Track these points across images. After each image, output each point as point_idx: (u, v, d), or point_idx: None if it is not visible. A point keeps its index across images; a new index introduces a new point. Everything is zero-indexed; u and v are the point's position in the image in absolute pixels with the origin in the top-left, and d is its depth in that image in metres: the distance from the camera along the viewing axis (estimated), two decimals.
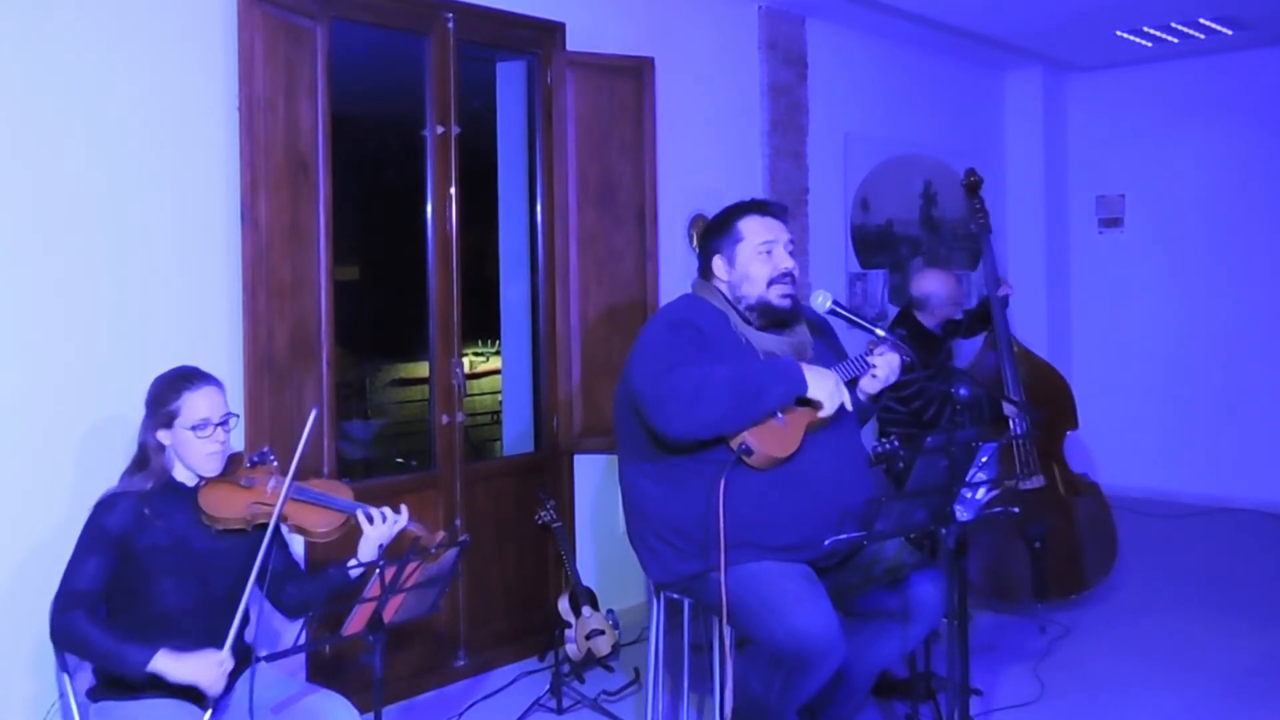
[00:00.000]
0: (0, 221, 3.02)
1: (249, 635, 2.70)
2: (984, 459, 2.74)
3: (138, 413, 2.64)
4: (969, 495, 2.78)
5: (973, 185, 4.88)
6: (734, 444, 2.82)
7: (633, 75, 4.53)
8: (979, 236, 4.83)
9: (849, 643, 2.84)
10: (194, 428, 2.56)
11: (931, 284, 4.60)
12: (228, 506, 2.58)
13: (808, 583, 2.84)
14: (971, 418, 3.22)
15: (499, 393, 5.78)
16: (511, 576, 4.37)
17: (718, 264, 3.07)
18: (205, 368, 2.69)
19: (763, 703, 2.86)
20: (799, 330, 3.09)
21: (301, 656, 3.45)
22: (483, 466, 4.51)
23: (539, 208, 4.49)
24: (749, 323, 3.03)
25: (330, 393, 3.68)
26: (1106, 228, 7.42)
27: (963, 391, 3.16)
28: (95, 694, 2.58)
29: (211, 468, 2.61)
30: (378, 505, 2.71)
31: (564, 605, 4.17)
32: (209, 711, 2.50)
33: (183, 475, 2.63)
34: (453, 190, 4.16)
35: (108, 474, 2.67)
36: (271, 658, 2.51)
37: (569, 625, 4.13)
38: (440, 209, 4.14)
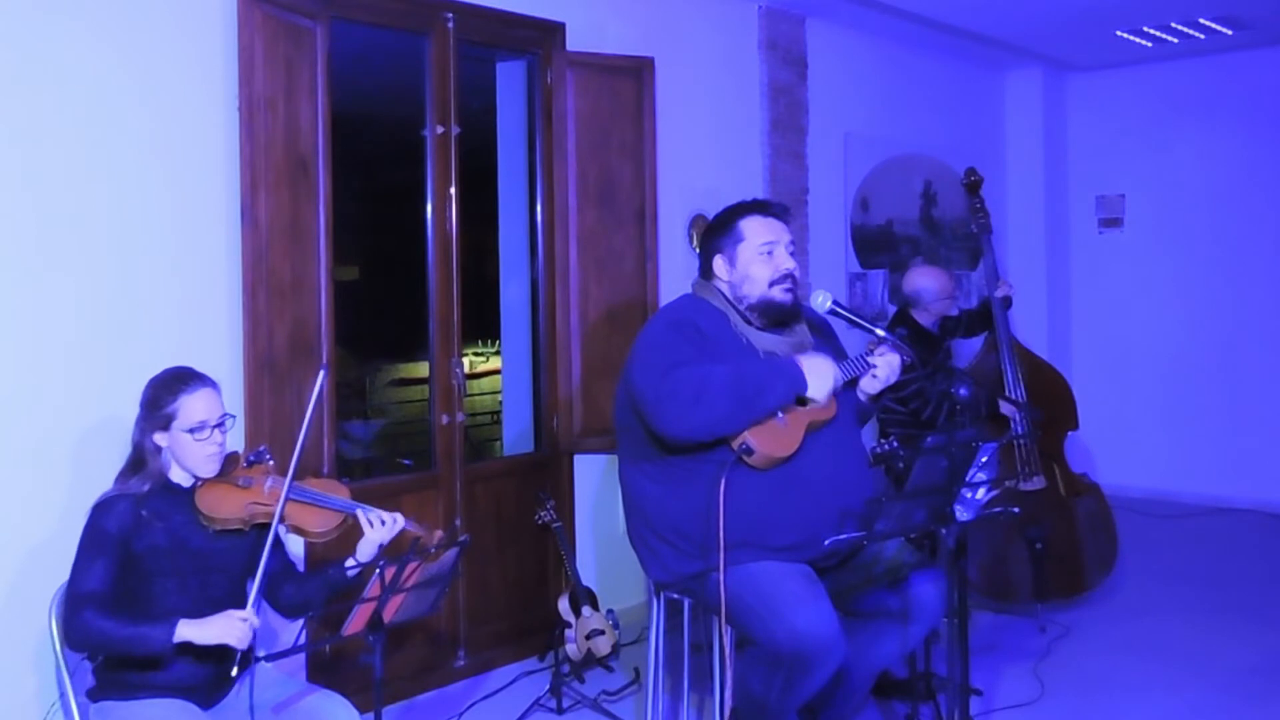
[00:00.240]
0: (0, 221, 3.02)
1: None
2: (984, 459, 2.74)
3: (136, 414, 2.63)
4: (969, 495, 2.78)
5: (973, 185, 4.87)
6: (734, 444, 2.82)
7: (633, 75, 4.53)
8: (979, 236, 4.83)
9: (849, 643, 2.84)
10: (191, 430, 2.55)
11: (921, 279, 4.57)
12: (225, 507, 2.58)
13: (808, 583, 2.84)
14: (970, 416, 3.22)
15: (499, 393, 5.78)
16: (511, 576, 4.37)
17: (719, 264, 3.07)
18: (205, 368, 2.69)
19: (763, 703, 2.86)
20: (799, 330, 3.09)
21: (301, 656, 3.45)
22: (483, 466, 4.52)
23: (539, 208, 4.49)
24: (749, 323, 3.03)
25: (330, 393, 3.68)
26: (1106, 228, 7.42)
27: (962, 391, 3.16)
28: (95, 694, 2.58)
29: (209, 469, 2.60)
30: (377, 505, 2.71)
31: (564, 605, 4.17)
32: (236, 669, 2.47)
33: (179, 476, 2.62)
34: (453, 190, 4.15)
35: (107, 475, 2.67)
36: (271, 658, 2.51)
37: (569, 625, 4.13)
38: (440, 209, 4.14)
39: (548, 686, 3.93)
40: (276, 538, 2.63)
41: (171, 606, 2.53)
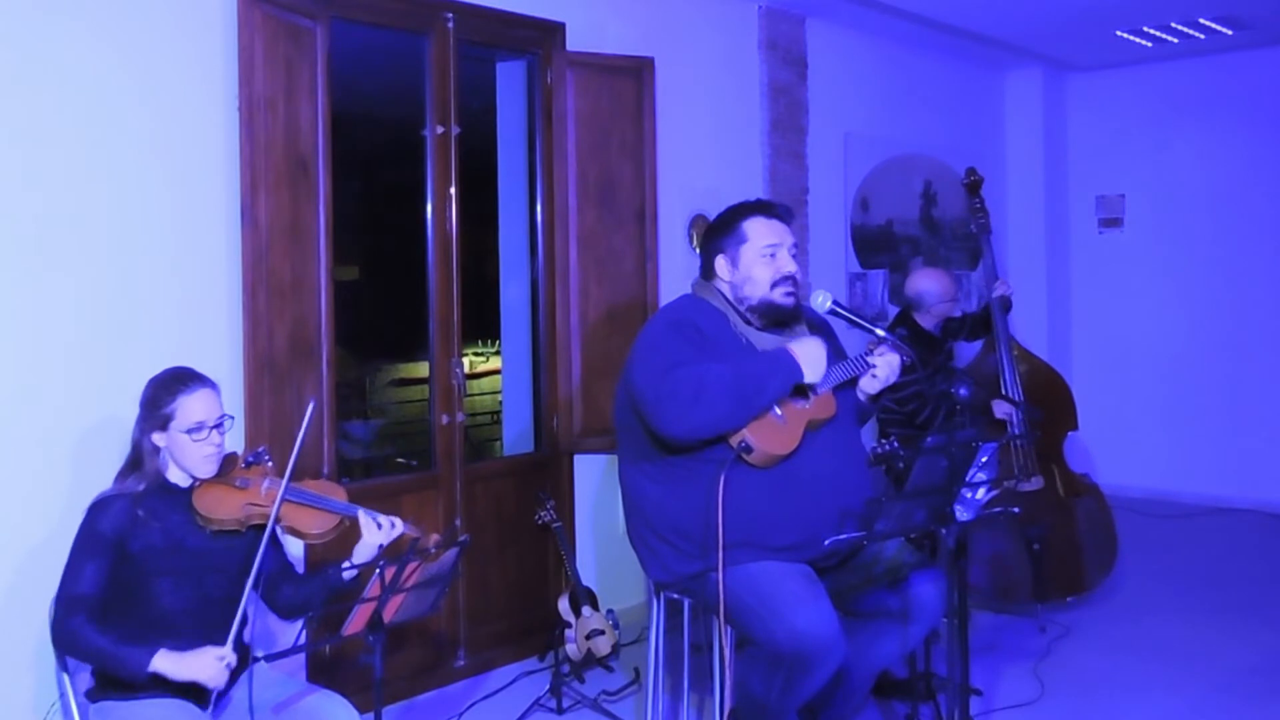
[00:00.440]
0: (0, 221, 3.02)
1: (247, 636, 2.70)
2: (984, 459, 2.74)
3: (136, 413, 2.63)
4: (969, 495, 2.78)
5: (973, 185, 4.87)
6: (734, 441, 2.83)
7: (633, 75, 4.53)
8: (979, 236, 4.83)
9: (849, 643, 2.84)
10: (189, 431, 2.55)
11: (924, 282, 4.58)
12: (222, 507, 2.58)
13: (808, 582, 2.84)
14: (970, 416, 3.22)
15: (499, 393, 5.78)
16: (511, 576, 4.37)
17: (720, 264, 3.07)
18: (205, 368, 2.69)
19: (763, 703, 2.86)
20: (799, 331, 3.09)
21: (301, 656, 3.46)
22: (483, 466, 4.52)
23: (539, 208, 4.49)
24: (749, 323, 3.03)
25: (330, 393, 3.68)
26: (1106, 228, 7.42)
27: (962, 391, 3.16)
28: (95, 694, 2.58)
29: (207, 470, 2.60)
30: (376, 506, 2.71)
31: (564, 605, 4.17)
32: (211, 707, 2.50)
33: (177, 476, 2.62)
34: (453, 190, 4.15)
35: (107, 474, 2.67)
36: (271, 658, 2.52)
37: (569, 625, 4.13)
38: (440, 209, 4.14)
39: (548, 686, 3.93)
40: (275, 539, 2.64)
41: (168, 607, 2.53)
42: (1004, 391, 4.60)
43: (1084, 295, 7.49)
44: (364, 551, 2.65)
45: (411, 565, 2.41)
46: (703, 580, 2.93)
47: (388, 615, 2.44)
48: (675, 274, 4.77)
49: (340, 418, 5.17)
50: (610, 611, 4.23)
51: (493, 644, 4.28)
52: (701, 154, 5.14)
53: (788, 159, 5.61)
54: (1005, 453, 4.58)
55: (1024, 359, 4.79)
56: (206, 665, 2.43)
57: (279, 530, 2.64)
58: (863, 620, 3.06)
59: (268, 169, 3.44)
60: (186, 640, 2.51)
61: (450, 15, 4.13)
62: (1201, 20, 6.09)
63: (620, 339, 4.31)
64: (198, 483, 2.62)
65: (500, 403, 5.53)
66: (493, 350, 7.75)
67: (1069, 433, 4.86)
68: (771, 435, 2.84)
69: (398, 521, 2.67)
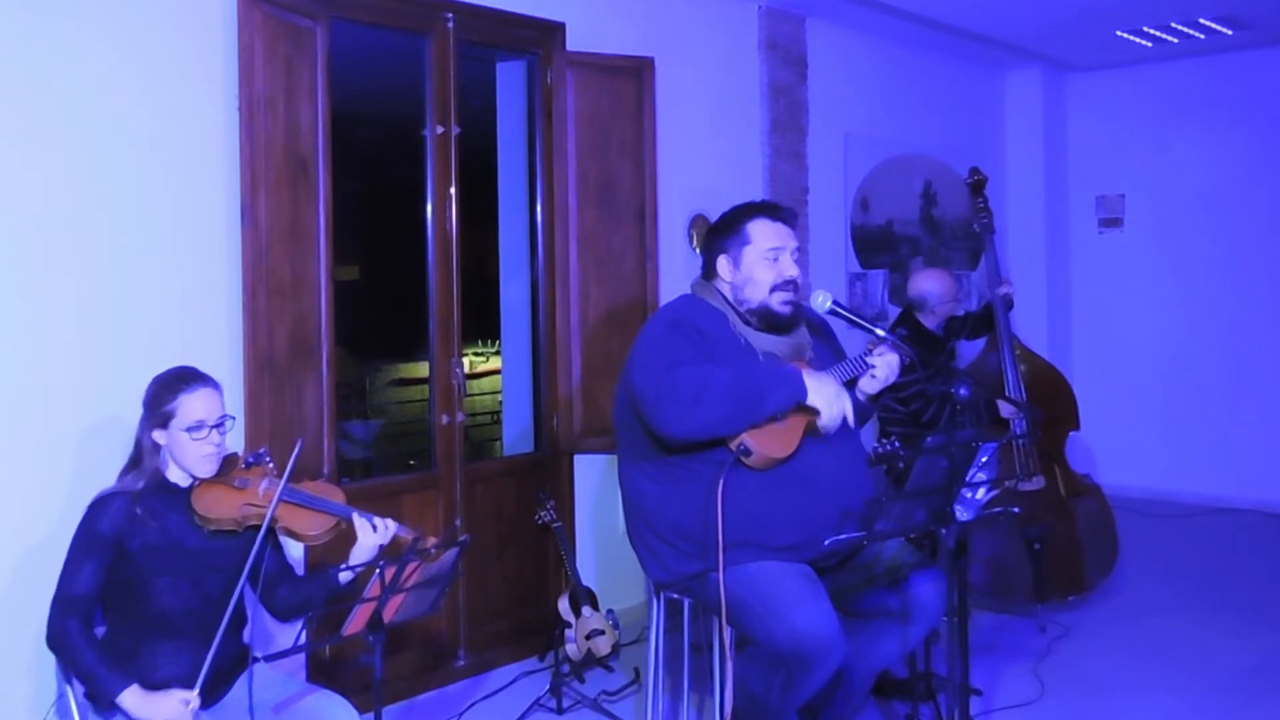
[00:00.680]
0: (1, 221, 3.02)
1: (247, 636, 2.70)
2: (984, 459, 2.74)
3: (137, 413, 2.64)
4: (969, 495, 2.77)
5: (977, 184, 4.87)
6: (732, 444, 2.82)
7: (633, 75, 4.53)
8: (982, 236, 4.83)
9: (849, 643, 2.84)
10: (189, 429, 2.56)
11: (926, 283, 4.59)
12: (220, 507, 2.58)
13: (808, 583, 2.84)
14: (970, 420, 3.22)
15: (499, 393, 5.78)
16: (511, 576, 4.37)
17: (722, 264, 3.06)
18: (205, 368, 2.69)
19: (763, 703, 2.86)
20: (798, 331, 3.09)
21: (301, 656, 3.46)
22: (483, 466, 4.52)
23: (539, 208, 4.49)
24: (748, 323, 3.03)
25: (330, 393, 3.68)
26: (1106, 228, 7.42)
27: (963, 392, 3.16)
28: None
29: (206, 469, 2.61)
30: (377, 507, 2.71)
31: (564, 605, 4.16)
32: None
33: (176, 475, 2.63)
34: (453, 190, 4.16)
35: (106, 474, 2.67)
36: (271, 658, 2.51)
37: (569, 625, 4.13)
38: (440, 209, 4.14)
39: (548, 686, 3.93)
40: (275, 540, 2.64)
41: (166, 606, 2.54)
42: (1006, 391, 4.60)
43: (1084, 295, 7.49)
44: (360, 554, 2.65)
45: (411, 565, 2.41)
46: (703, 580, 2.93)
47: (388, 615, 2.44)
48: (675, 274, 4.77)
49: (340, 418, 5.17)
50: (610, 611, 4.23)
51: (493, 644, 4.28)
52: (701, 154, 5.14)
53: (788, 159, 5.61)
54: (1007, 452, 4.58)
55: (1025, 358, 4.79)
56: (171, 708, 2.44)
57: (278, 532, 2.64)
58: (863, 620, 3.06)
59: (268, 169, 3.44)
60: (185, 640, 2.53)
61: (450, 15, 4.13)
62: (1201, 20, 6.09)
63: (620, 339, 4.31)
64: (197, 482, 2.62)
65: (500, 403, 5.53)
66: (493, 350, 7.75)
67: (1071, 432, 4.86)
68: (770, 438, 2.84)
69: (391, 524, 2.67)
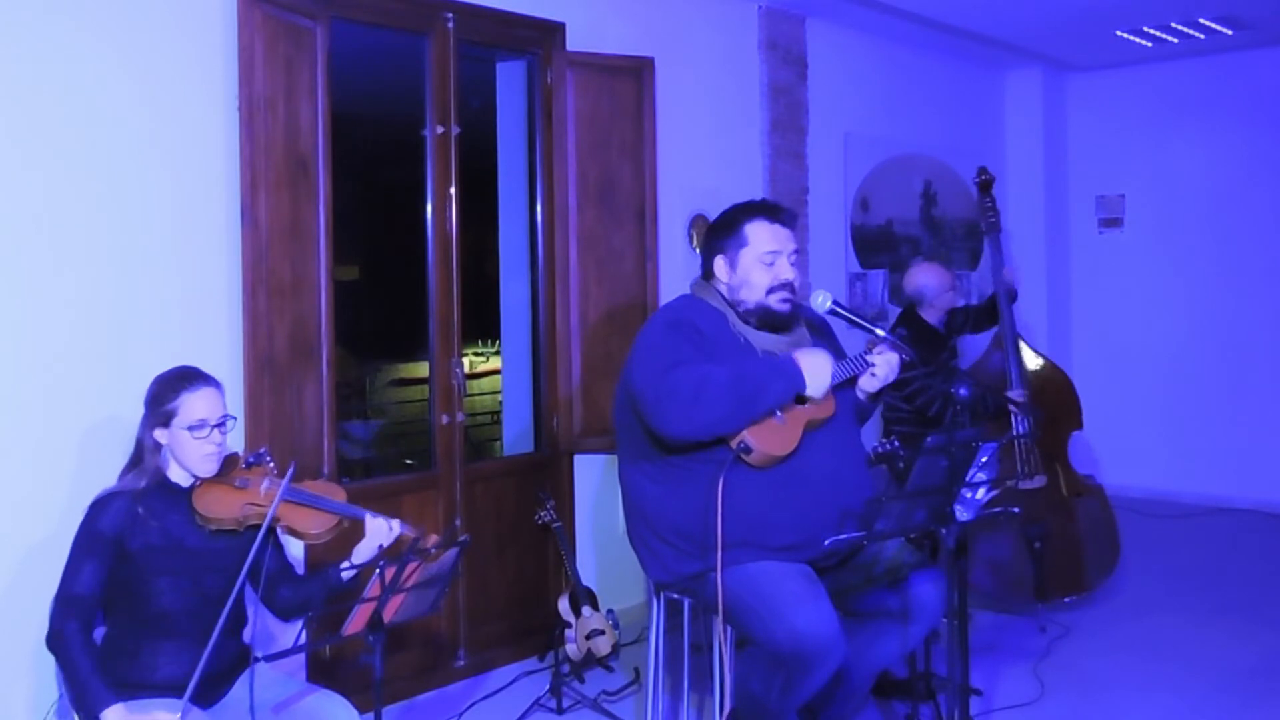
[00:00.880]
0: (1, 221, 3.02)
1: (247, 635, 2.70)
2: (984, 459, 2.74)
3: (137, 412, 2.64)
4: (969, 495, 2.78)
5: (985, 184, 4.88)
6: (733, 443, 2.82)
7: (633, 75, 4.53)
8: (988, 235, 4.83)
9: (849, 643, 2.84)
10: (191, 428, 2.56)
11: (921, 276, 4.59)
12: (221, 507, 2.58)
13: (808, 582, 2.84)
14: (974, 414, 3.22)
15: (499, 393, 5.78)
16: (511, 576, 4.37)
17: (719, 265, 3.06)
18: (205, 368, 2.69)
19: (763, 703, 2.86)
20: (798, 331, 3.09)
21: (301, 656, 3.45)
22: (483, 466, 4.52)
23: (539, 208, 4.49)
24: (747, 323, 3.02)
25: (330, 393, 3.68)
26: (1106, 228, 7.41)
27: (963, 392, 3.16)
28: None
29: (207, 469, 2.61)
30: (377, 507, 2.71)
31: (564, 605, 4.16)
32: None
33: (177, 475, 2.63)
34: (453, 190, 4.15)
35: (107, 473, 2.67)
36: (271, 658, 2.51)
37: (569, 625, 4.13)
38: (440, 209, 4.14)
39: (548, 686, 3.93)
40: (275, 539, 2.64)
41: (166, 605, 2.54)
42: (1009, 383, 4.59)
43: (1084, 295, 7.49)
44: (363, 552, 2.65)
45: (411, 565, 2.41)
46: (703, 580, 2.93)
47: (388, 615, 2.44)
48: (675, 274, 4.77)
49: (340, 418, 5.17)
50: (610, 611, 4.23)
51: (493, 644, 4.27)
52: (701, 154, 5.14)
53: (788, 159, 5.61)
54: (1009, 450, 4.58)
55: (1029, 357, 4.79)
56: None
57: (279, 531, 2.65)
58: (863, 620, 3.06)
59: (268, 169, 3.44)
60: (185, 639, 2.53)
61: (450, 15, 4.13)
62: (1201, 20, 6.09)
63: (620, 339, 4.31)
64: (198, 482, 2.62)
65: (500, 403, 5.53)
66: (493, 350, 7.75)
67: (1074, 432, 4.86)
68: (770, 436, 2.84)
69: (395, 523, 2.68)
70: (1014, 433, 4.51)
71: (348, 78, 4.28)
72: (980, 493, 2.79)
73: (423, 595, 2.53)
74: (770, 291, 3.00)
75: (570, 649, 4.10)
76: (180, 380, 2.61)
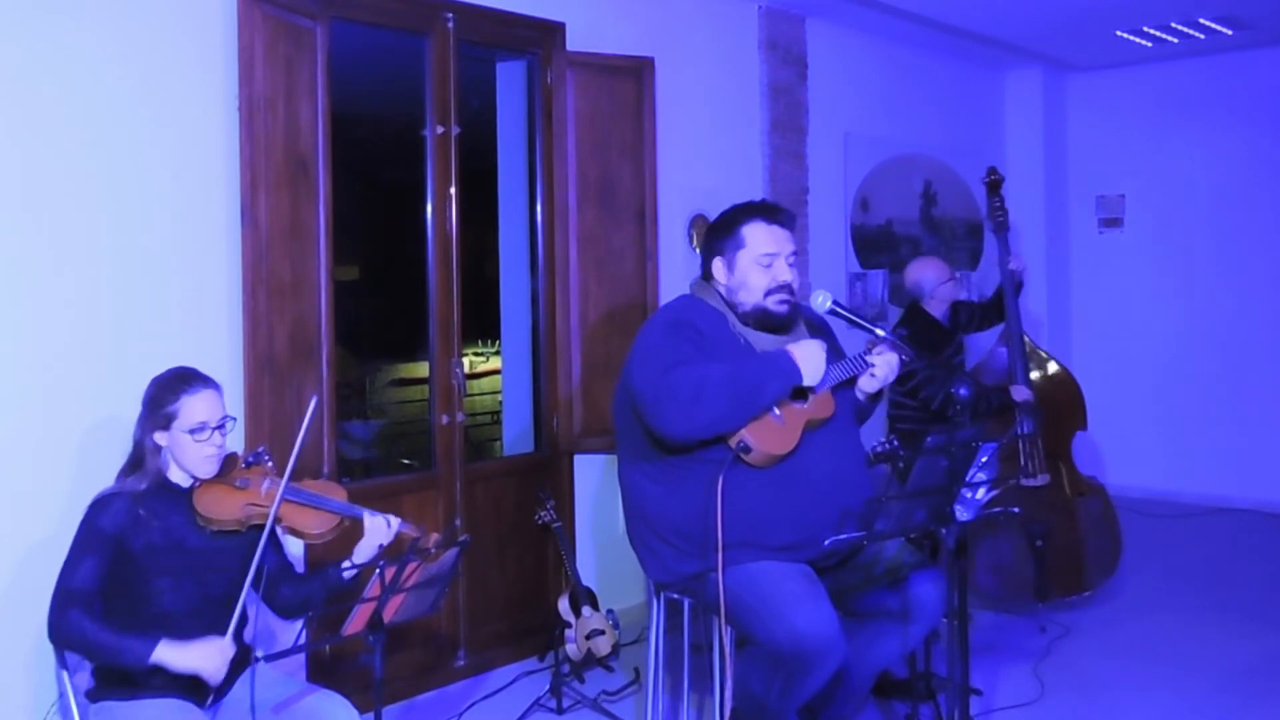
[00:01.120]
0: (1, 221, 3.02)
1: (248, 635, 2.70)
2: (984, 459, 2.74)
3: (137, 413, 2.63)
4: (969, 495, 2.77)
5: (994, 184, 4.89)
6: (732, 442, 2.82)
7: (633, 75, 4.53)
8: (999, 234, 4.83)
9: (849, 643, 2.84)
10: (191, 431, 2.56)
11: (918, 271, 4.61)
12: (222, 507, 2.58)
13: (808, 582, 2.84)
14: (974, 414, 3.22)
15: (499, 393, 5.78)
16: (511, 576, 4.37)
17: (717, 266, 3.06)
18: (205, 368, 2.69)
19: (763, 703, 2.86)
20: (797, 332, 3.09)
21: (301, 656, 3.45)
22: (483, 466, 4.51)
23: (539, 208, 4.49)
24: (746, 324, 3.02)
25: (330, 393, 3.68)
26: (1106, 228, 7.41)
27: (963, 392, 3.16)
28: (95, 694, 2.58)
29: (207, 470, 2.61)
30: (377, 507, 2.71)
31: (564, 605, 4.16)
32: (208, 701, 2.50)
33: (178, 476, 2.63)
34: (453, 190, 4.15)
35: (106, 473, 2.67)
36: (271, 658, 2.51)
37: (569, 625, 4.13)
38: (440, 209, 4.14)
39: (548, 686, 3.93)
40: (274, 539, 2.64)
41: (168, 606, 2.54)
42: (1014, 379, 4.58)
43: (1084, 295, 7.49)
44: (364, 551, 2.65)
45: (411, 565, 2.42)
46: (703, 580, 2.93)
47: (388, 615, 2.44)
48: (675, 274, 4.77)
49: (340, 418, 5.17)
50: (610, 611, 4.23)
51: (493, 644, 4.27)
52: (701, 154, 5.14)
53: (788, 159, 5.61)
54: (1013, 449, 4.58)
55: (1034, 356, 4.79)
56: (209, 657, 2.44)
57: (279, 530, 2.64)
58: (863, 620, 3.06)
59: (268, 169, 3.44)
60: (187, 640, 2.51)
61: (450, 15, 4.13)
62: (1201, 20, 6.09)
63: (620, 339, 4.31)
64: (198, 483, 2.62)
65: (500, 403, 5.53)
66: (493, 350, 7.75)
67: (1078, 432, 4.85)
68: (770, 435, 2.84)
69: (394, 520, 2.68)
70: (1016, 432, 4.51)
71: (348, 78, 4.28)
72: (980, 492, 2.79)
73: (423, 595, 2.53)
74: (768, 293, 2.99)
75: (570, 649, 4.10)
76: (179, 382, 2.60)
